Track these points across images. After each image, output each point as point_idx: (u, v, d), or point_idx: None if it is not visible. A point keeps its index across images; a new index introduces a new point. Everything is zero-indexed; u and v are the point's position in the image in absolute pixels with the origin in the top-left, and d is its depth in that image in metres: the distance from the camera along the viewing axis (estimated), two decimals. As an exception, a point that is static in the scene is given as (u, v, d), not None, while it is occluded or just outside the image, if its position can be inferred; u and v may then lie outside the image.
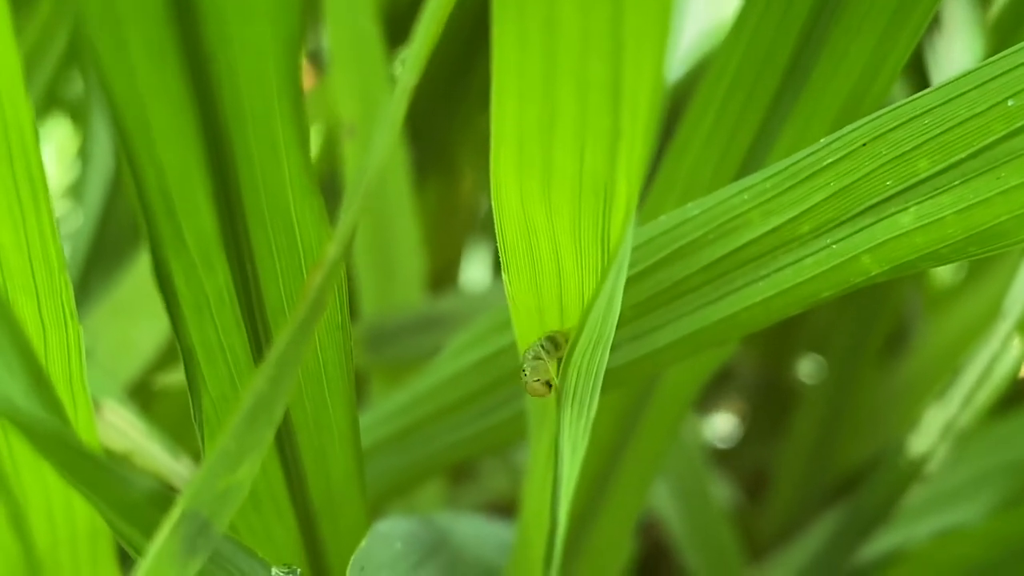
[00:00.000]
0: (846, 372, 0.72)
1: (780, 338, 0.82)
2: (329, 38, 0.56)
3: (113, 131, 0.30)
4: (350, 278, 0.61)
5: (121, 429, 0.48)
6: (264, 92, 0.30)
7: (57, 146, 0.79)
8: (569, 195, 0.32)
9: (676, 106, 0.45)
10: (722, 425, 0.85)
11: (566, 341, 0.36)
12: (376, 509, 0.57)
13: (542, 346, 0.36)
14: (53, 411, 0.34)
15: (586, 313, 0.32)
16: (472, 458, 0.50)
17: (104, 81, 0.28)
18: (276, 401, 0.32)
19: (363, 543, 0.40)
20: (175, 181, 0.31)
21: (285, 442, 0.40)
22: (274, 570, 0.38)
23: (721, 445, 0.85)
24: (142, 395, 0.61)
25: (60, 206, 0.77)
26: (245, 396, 0.30)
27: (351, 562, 0.38)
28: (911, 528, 0.60)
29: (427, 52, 0.29)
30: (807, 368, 0.81)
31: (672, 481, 0.64)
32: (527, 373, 0.36)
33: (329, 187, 0.62)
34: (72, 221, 0.71)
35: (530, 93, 0.29)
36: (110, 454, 0.48)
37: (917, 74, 0.70)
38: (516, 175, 0.32)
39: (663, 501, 0.64)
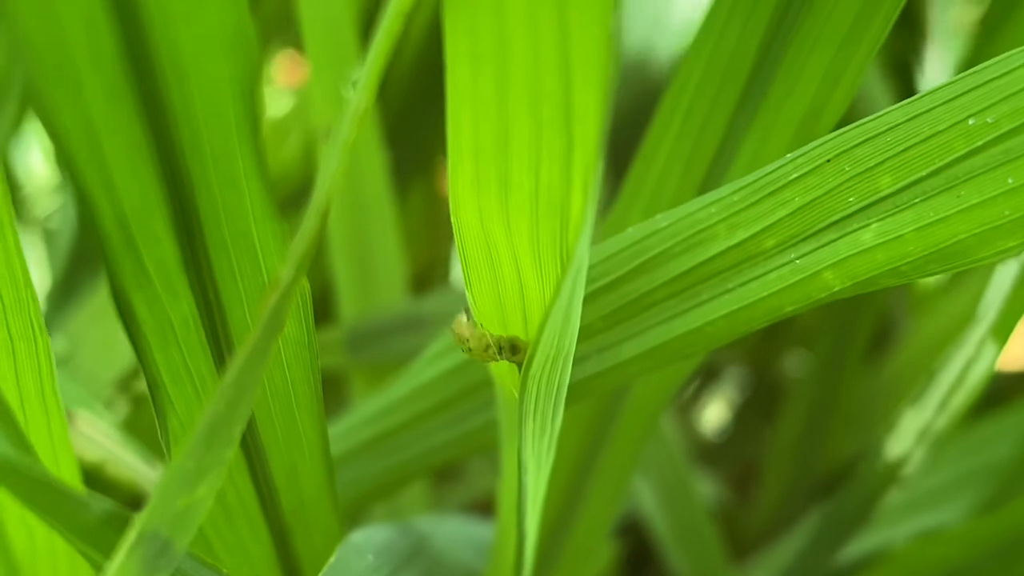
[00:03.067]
0: (832, 370, 0.72)
1: (768, 335, 0.82)
2: (306, 43, 0.56)
3: (63, 164, 0.29)
4: (329, 281, 0.61)
5: (95, 439, 0.48)
6: (222, 121, 0.30)
7: (44, 146, 0.80)
8: (527, 210, 0.32)
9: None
10: (710, 421, 0.85)
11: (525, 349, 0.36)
12: (359, 512, 0.57)
13: (498, 340, 0.36)
14: (7, 435, 0.34)
15: (542, 325, 0.32)
16: (452, 462, 0.50)
17: (52, 118, 0.28)
18: (234, 421, 0.32)
19: (332, 558, 0.40)
20: (133, 211, 0.31)
21: (255, 459, 0.40)
22: (240, 587, 0.38)
23: (709, 441, 0.85)
24: (124, 397, 0.61)
25: (47, 205, 0.77)
26: (202, 417, 0.30)
27: (319, 577, 0.38)
28: (891, 530, 0.60)
29: (379, 75, 0.29)
30: (795, 365, 0.81)
31: (655, 481, 0.64)
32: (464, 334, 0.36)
33: (306, 188, 0.62)
34: (58, 220, 0.71)
35: (484, 112, 0.29)
36: (84, 463, 0.48)
37: (905, 84, 0.70)
38: (474, 191, 0.32)
39: (647, 501, 0.64)
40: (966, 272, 0.70)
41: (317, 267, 0.65)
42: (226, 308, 0.35)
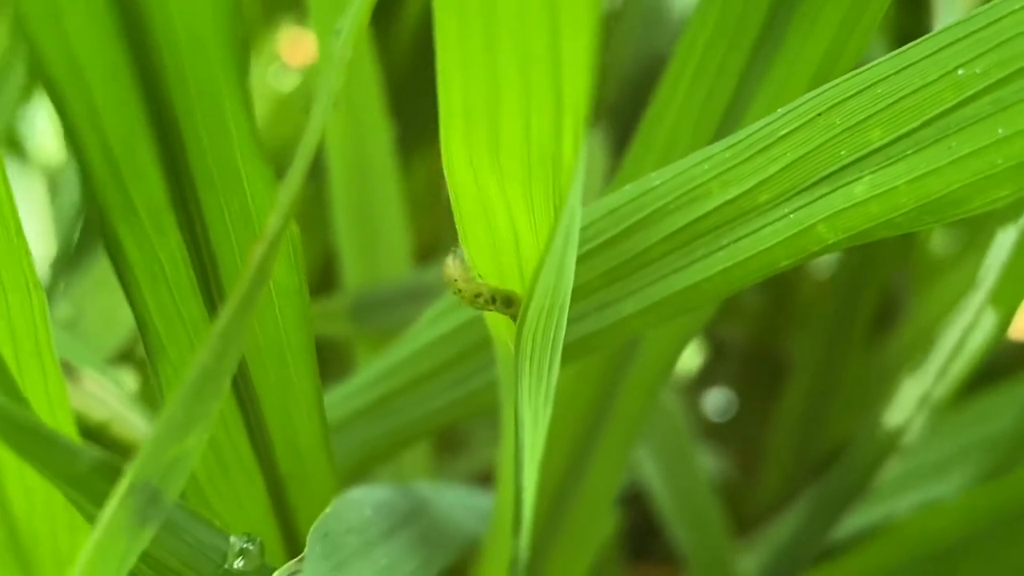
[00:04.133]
0: (836, 348, 0.72)
1: (772, 313, 0.82)
2: (312, 19, 0.56)
3: (50, 97, 0.30)
4: (333, 250, 0.62)
5: (100, 398, 0.49)
6: (205, 54, 0.30)
7: (51, 118, 0.80)
8: (519, 164, 0.32)
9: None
10: (715, 399, 0.85)
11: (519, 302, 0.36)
12: (361, 478, 0.57)
13: (493, 291, 0.36)
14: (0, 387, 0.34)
15: (535, 276, 0.32)
16: (451, 424, 0.50)
17: (37, 49, 0.28)
18: (223, 372, 0.32)
19: (329, 508, 0.40)
20: (119, 144, 0.31)
21: (250, 410, 0.41)
22: (232, 539, 0.38)
23: (714, 419, 0.85)
24: (128, 364, 0.62)
25: (54, 181, 0.77)
26: (190, 368, 0.30)
27: (313, 527, 0.38)
28: (893, 502, 0.60)
29: (363, 24, 0.29)
30: (798, 344, 0.81)
31: (659, 456, 0.64)
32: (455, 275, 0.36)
33: (316, 160, 0.62)
34: (66, 193, 0.72)
35: (474, 66, 0.29)
36: (89, 422, 0.49)
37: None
38: (466, 147, 0.32)
39: (650, 475, 0.64)
40: (971, 247, 0.70)
41: (321, 236, 0.66)
42: (215, 247, 0.35)
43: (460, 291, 0.37)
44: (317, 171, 0.63)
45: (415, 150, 0.70)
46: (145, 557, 0.35)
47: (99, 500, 0.32)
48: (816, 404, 0.74)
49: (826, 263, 0.83)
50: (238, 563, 0.37)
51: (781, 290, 0.83)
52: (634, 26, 0.75)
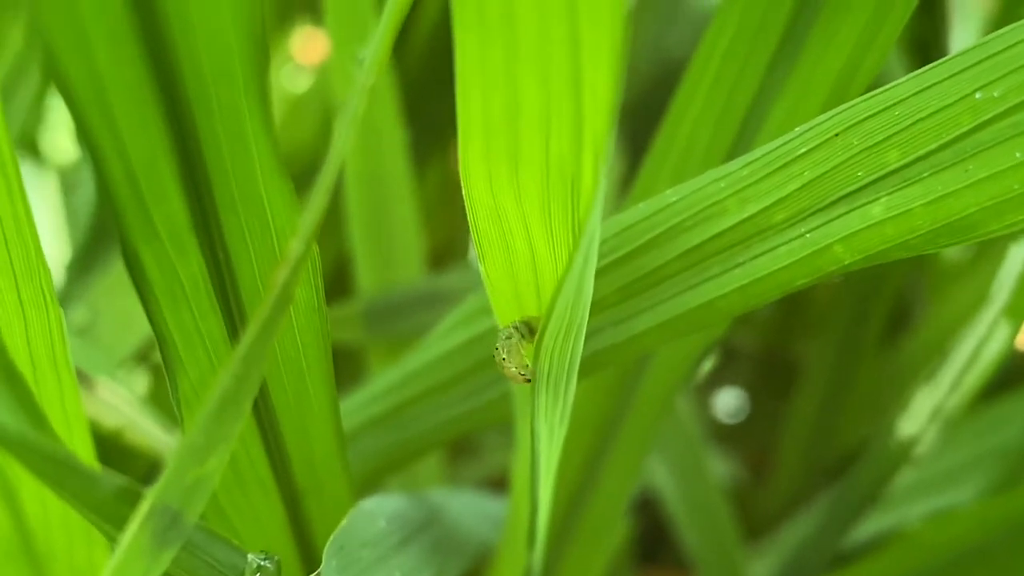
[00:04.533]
0: (848, 353, 0.72)
1: (785, 318, 0.82)
2: (326, 19, 0.56)
3: (73, 116, 0.30)
4: (347, 257, 0.62)
5: (114, 405, 0.49)
6: (229, 78, 0.30)
7: (67, 124, 0.80)
8: (537, 182, 0.32)
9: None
10: (727, 404, 0.85)
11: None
12: (374, 486, 0.58)
13: (516, 327, 0.36)
14: (21, 411, 0.34)
15: (554, 298, 0.32)
16: (466, 435, 0.50)
17: (60, 69, 0.28)
18: (244, 396, 0.32)
19: (344, 522, 0.40)
20: (141, 168, 0.31)
21: (267, 425, 0.41)
22: (250, 556, 0.38)
23: (726, 423, 0.85)
24: (144, 368, 0.62)
25: (69, 180, 0.77)
26: (211, 391, 0.30)
27: (329, 542, 0.38)
28: (905, 510, 0.60)
29: (386, 55, 0.29)
30: (811, 348, 0.81)
31: (670, 460, 0.64)
32: (504, 356, 0.36)
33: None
34: (81, 195, 0.72)
35: (493, 83, 0.29)
36: (103, 429, 0.49)
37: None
38: (484, 164, 0.32)
39: (661, 480, 0.64)
40: (985, 254, 0.70)
41: (335, 242, 0.66)
42: (235, 268, 0.35)
43: (510, 373, 0.37)
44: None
45: (429, 155, 0.70)
46: (164, 576, 0.36)
47: (119, 523, 0.32)
48: (828, 409, 0.74)
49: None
50: (255, 580, 0.38)
51: (794, 295, 0.83)
52: (648, 26, 0.75)
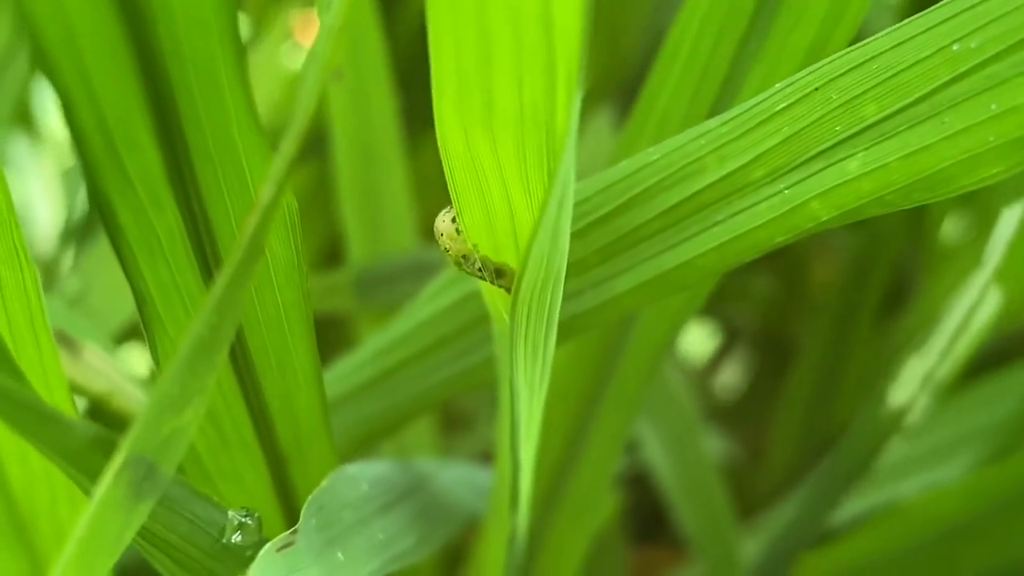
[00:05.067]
0: (844, 331, 0.72)
1: (782, 297, 0.82)
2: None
3: (43, 67, 0.30)
4: (338, 226, 0.62)
5: (101, 371, 0.49)
6: (202, 26, 0.30)
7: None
8: (512, 130, 0.32)
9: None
10: (723, 383, 0.85)
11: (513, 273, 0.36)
12: (363, 456, 0.58)
13: (486, 258, 0.36)
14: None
15: (530, 244, 0.32)
16: (453, 398, 0.50)
17: (31, 18, 0.28)
18: (217, 346, 0.32)
19: (324, 482, 0.40)
20: (114, 117, 0.31)
21: (249, 385, 0.41)
22: (231, 513, 0.38)
23: (722, 402, 0.85)
24: (136, 337, 0.62)
25: (63, 156, 0.77)
26: (184, 341, 0.30)
27: (308, 501, 0.38)
28: (896, 486, 0.60)
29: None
30: (808, 327, 0.81)
31: (665, 439, 0.64)
32: (448, 247, 0.36)
33: (322, 137, 0.62)
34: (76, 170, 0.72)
35: (465, 31, 0.29)
36: (89, 394, 0.49)
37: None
38: (458, 114, 0.32)
39: (656, 458, 0.64)
40: (982, 234, 0.69)
41: (327, 215, 0.66)
42: (212, 221, 0.35)
43: (447, 249, 0.37)
44: (322, 149, 0.63)
45: (423, 127, 0.70)
46: (143, 532, 0.35)
47: (96, 475, 0.32)
48: (823, 387, 0.73)
49: (836, 247, 0.83)
50: (236, 537, 0.37)
51: (791, 274, 0.83)
52: (644, 4, 0.75)
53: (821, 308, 0.77)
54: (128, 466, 0.31)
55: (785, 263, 0.84)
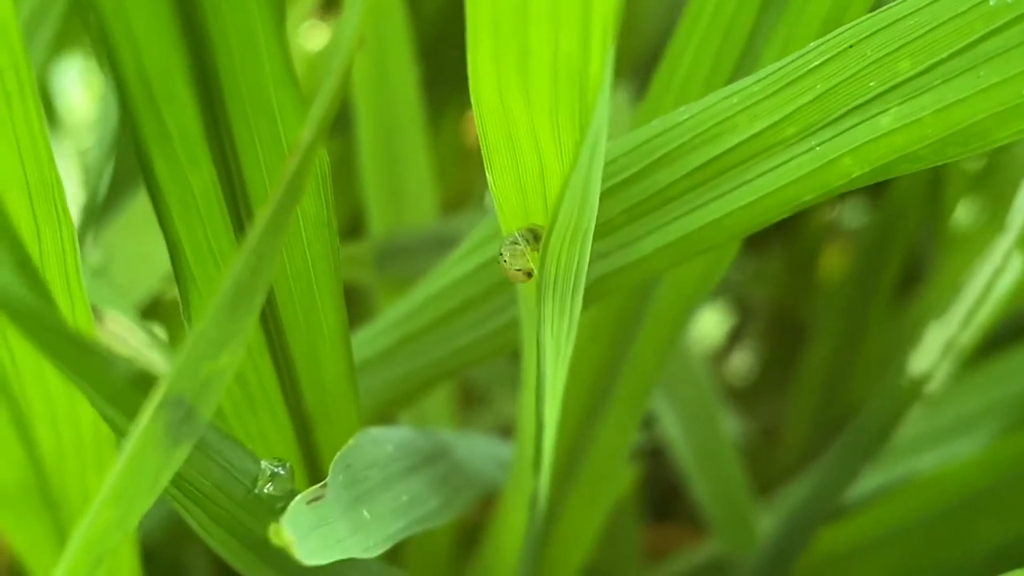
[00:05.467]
0: (858, 312, 0.72)
1: (796, 277, 0.82)
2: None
3: (85, 19, 0.30)
4: (360, 201, 0.62)
5: (123, 338, 0.49)
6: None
7: (81, 75, 0.80)
8: (546, 83, 0.32)
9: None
10: (738, 364, 0.85)
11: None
12: (384, 423, 0.58)
13: (521, 234, 0.36)
14: (36, 290, 0.34)
15: (560, 196, 0.32)
16: (476, 364, 0.50)
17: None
18: (256, 288, 0.32)
19: (351, 441, 0.40)
20: (154, 68, 0.31)
21: (276, 342, 0.41)
22: (263, 463, 0.38)
23: (737, 383, 0.85)
24: (158, 310, 0.62)
25: (86, 134, 0.78)
26: (223, 283, 0.30)
27: (336, 457, 0.38)
28: (914, 460, 0.60)
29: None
30: (822, 307, 0.81)
31: (683, 417, 0.64)
32: (505, 258, 0.36)
33: (341, 110, 0.62)
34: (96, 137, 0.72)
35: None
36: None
37: None
38: (493, 66, 0.32)
39: (674, 436, 0.64)
40: (998, 216, 0.69)
41: (349, 186, 0.66)
42: (246, 178, 0.35)
43: (515, 277, 0.37)
44: (345, 124, 0.63)
45: (446, 102, 0.70)
46: (176, 478, 0.35)
47: (132, 414, 0.32)
48: (838, 367, 0.74)
49: (851, 227, 0.83)
50: (268, 487, 0.38)
51: (806, 254, 0.83)
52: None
53: (835, 290, 0.77)
54: (166, 406, 0.31)
55: (798, 247, 0.84)
